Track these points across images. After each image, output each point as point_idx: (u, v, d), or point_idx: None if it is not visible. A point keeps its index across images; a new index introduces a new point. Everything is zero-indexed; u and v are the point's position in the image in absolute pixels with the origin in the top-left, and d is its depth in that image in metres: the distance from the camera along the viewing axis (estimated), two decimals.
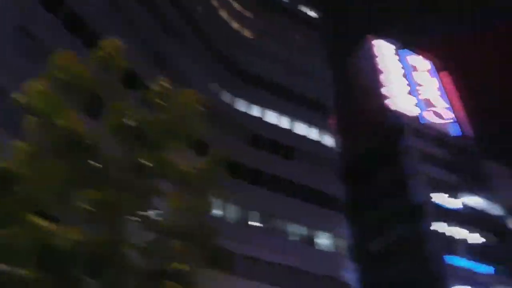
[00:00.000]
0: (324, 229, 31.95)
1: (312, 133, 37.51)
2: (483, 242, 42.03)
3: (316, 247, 30.99)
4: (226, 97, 34.05)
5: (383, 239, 42.29)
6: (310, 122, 37.74)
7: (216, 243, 10.14)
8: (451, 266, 37.43)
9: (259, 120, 35.06)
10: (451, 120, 54.28)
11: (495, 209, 46.75)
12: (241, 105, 34.79)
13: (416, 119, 50.67)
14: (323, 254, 30.75)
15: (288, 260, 28.30)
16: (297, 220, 30.92)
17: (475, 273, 38.61)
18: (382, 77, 53.66)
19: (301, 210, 31.30)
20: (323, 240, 31.54)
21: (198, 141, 10.36)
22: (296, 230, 30.84)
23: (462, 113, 56.45)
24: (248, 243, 27.34)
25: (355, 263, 31.73)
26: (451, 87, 59.18)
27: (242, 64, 36.67)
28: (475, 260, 39.48)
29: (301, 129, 37.11)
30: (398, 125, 47.54)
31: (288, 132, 36.03)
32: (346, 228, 32.90)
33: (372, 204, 44.29)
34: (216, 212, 27.57)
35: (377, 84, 53.01)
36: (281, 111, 36.73)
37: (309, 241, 31.01)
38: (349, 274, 30.60)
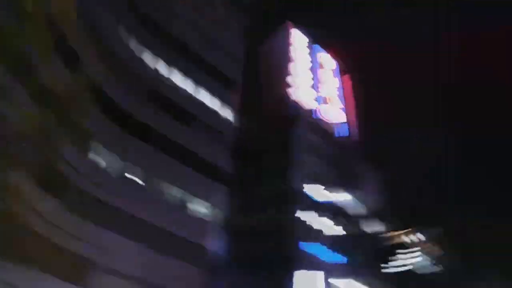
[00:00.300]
0: (204, 197, 32.60)
1: (214, 103, 37.57)
2: (343, 235, 46.64)
3: (192, 213, 31.55)
4: (132, 44, 32.36)
5: (256, 217, 44.36)
6: (214, 93, 37.73)
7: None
8: (310, 252, 41.06)
9: (162, 76, 33.99)
10: (342, 121, 58.41)
11: (359, 208, 52.09)
12: (147, 58, 33.36)
13: (311, 112, 53.69)
14: (197, 221, 31.43)
15: (160, 221, 28.43)
16: (178, 184, 31.05)
17: (329, 261, 42.84)
18: (290, 66, 55.45)
19: (184, 175, 31.49)
20: (201, 208, 32.20)
21: (69, 52, 9.44)
22: (175, 193, 30.99)
23: (353, 117, 61.05)
24: (123, 196, 26.87)
25: (226, 235, 33.03)
26: (348, 90, 63.44)
27: (155, 17, 34.94)
28: (332, 249, 43.76)
29: (203, 97, 36.93)
30: (294, 114, 49.89)
31: (189, 97, 35.62)
32: (224, 201, 33.92)
33: (254, 183, 46.06)
34: (94, 157, 26.58)
35: (284, 72, 54.72)
36: (187, 74, 36.05)
37: (186, 206, 31.46)
38: (218, 244, 31.76)
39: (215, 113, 37.19)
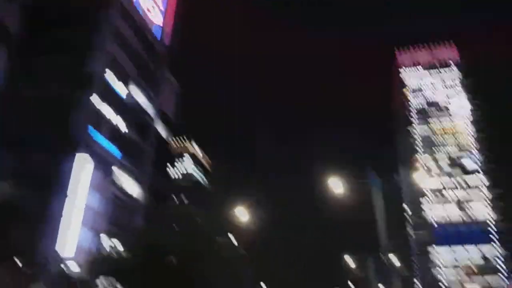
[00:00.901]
0: None
1: None
2: (125, 132, 47.00)
3: None
4: None
5: (41, 90, 40.23)
6: None
7: None
8: (91, 138, 40.24)
9: None
10: (158, 23, 56.73)
11: (149, 109, 53.08)
12: None
13: (131, 2, 50.19)
14: None
15: None
16: None
17: (107, 152, 43.06)
18: None
19: None
20: None
21: None
22: None
23: (170, 23, 59.94)
24: None
25: None
26: None
27: None
28: (112, 142, 43.92)
29: None
30: None
31: None
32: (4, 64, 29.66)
33: (46, 54, 41.16)
34: None
35: None
36: None
37: None
38: None
39: None
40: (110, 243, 35.45)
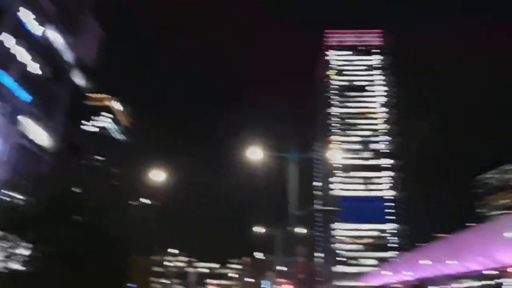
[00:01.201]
0: None
1: None
2: (39, 74, 43.33)
3: None
4: None
5: None
6: None
7: None
8: None
9: None
10: None
11: (68, 55, 49.45)
12: None
13: None
14: None
15: None
16: None
17: (14, 96, 39.53)
18: None
19: None
20: None
21: None
22: None
23: None
24: None
25: None
26: None
27: None
28: (22, 86, 40.34)
29: None
30: None
31: None
32: None
33: None
34: None
35: None
36: None
37: None
38: None
39: None
40: (11, 193, 33.17)
